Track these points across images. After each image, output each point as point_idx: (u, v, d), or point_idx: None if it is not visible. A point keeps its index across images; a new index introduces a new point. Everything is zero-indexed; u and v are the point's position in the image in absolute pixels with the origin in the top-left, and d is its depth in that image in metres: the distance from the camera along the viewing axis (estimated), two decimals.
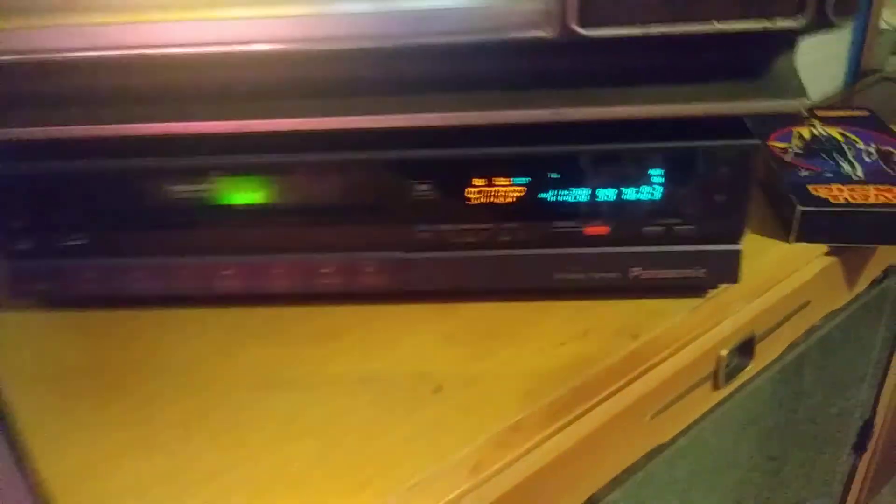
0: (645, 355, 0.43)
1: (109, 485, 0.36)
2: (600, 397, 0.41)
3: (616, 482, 0.45)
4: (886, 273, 0.61)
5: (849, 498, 0.84)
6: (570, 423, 0.39)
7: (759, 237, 0.53)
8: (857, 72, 1.24)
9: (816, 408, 0.75)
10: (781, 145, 0.60)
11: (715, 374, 0.47)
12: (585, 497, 0.42)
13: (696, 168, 0.43)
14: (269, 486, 0.35)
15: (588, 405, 0.40)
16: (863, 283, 0.58)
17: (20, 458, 0.31)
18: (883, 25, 1.13)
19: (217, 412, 0.40)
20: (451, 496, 0.35)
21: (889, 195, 0.52)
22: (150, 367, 0.43)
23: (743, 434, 0.66)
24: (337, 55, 0.38)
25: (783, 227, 0.53)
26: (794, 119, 0.65)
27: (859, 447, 0.79)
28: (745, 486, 0.73)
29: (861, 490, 0.86)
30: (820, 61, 1.06)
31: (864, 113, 0.66)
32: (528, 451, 0.37)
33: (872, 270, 0.59)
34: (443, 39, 0.37)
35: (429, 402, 0.40)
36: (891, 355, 0.72)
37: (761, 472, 0.75)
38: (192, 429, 0.39)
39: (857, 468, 0.81)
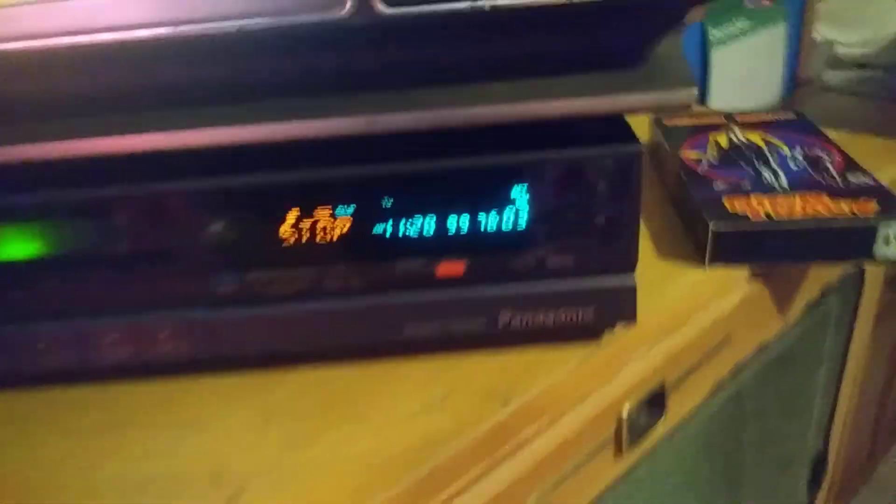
0: (517, 425, 0.33)
1: None
2: (457, 487, 0.31)
3: None
4: (825, 293, 0.53)
5: None
6: None
7: (669, 263, 0.44)
8: (794, 82, 1.19)
9: (761, 442, 0.66)
10: (695, 155, 0.52)
11: (617, 438, 0.37)
12: None
13: (568, 183, 0.34)
14: None
15: (439, 500, 0.30)
16: (796, 309, 0.50)
17: None
18: (817, 37, 1.11)
19: None
20: None
21: (819, 206, 0.43)
22: None
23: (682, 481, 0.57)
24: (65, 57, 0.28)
25: (697, 250, 0.44)
26: (712, 126, 0.57)
27: (813, 484, 0.70)
28: None
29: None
30: (755, 72, 1.01)
31: (791, 116, 0.58)
32: None
33: (807, 293, 0.50)
34: (209, 27, 0.28)
35: None
36: (839, 384, 0.63)
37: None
38: None
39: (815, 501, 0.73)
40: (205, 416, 0.35)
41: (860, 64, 1.24)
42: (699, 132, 0.56)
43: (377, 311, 0.36)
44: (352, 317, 0.35)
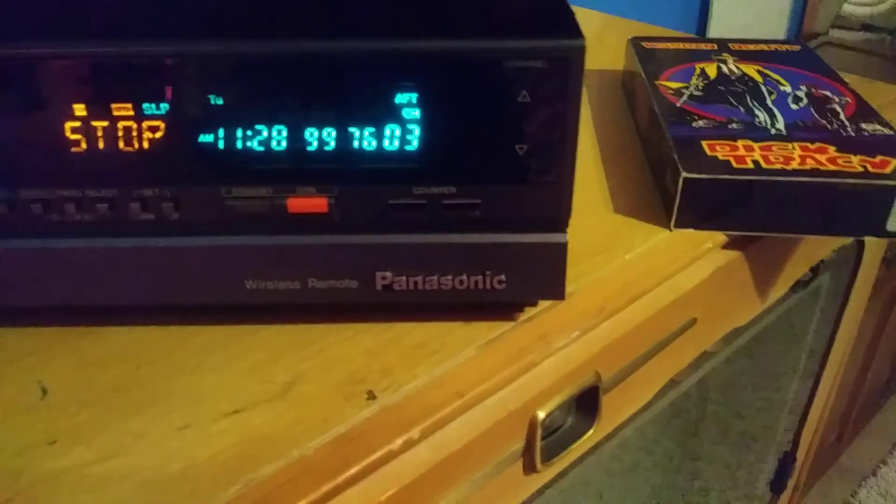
0: (383, 431, 0.24)
1: None
2: None
3: None
4: (816, 271, 0.43)
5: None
6: None
7: (625, 222, 0.34)
8: (799, 35, 1.12)
9: (720, 439, 0.57)
10: (675, 86, 0.41)
11: (528, 451, 0.28)
12: None
13: (475, 90, 0.23)
14: None
15: None
16: (781, 287, 0.40)
17: None
18: None
19: None
20: None
21: (821, 157, 0.33)
22: None
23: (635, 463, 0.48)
24: None
25: (665, 206, 0.34)
26: (700, 52, 0.46)
27: (778, 486, 0.62)
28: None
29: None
30: (761, 22, 0.94)
31: (795, 47, 0.48)
32: None
33: (794, 270, 0.40)
34: None
35: None
36: (819, 374, 0.54)
37: (682, 475, 0.58)
38: None
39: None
40: None
41: (866, 25, 1.17)
42: (684, 59, 0.45)
43: (207, 256, 0.25)
44: (170, 261, 0.25)
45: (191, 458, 0.22)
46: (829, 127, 0.36)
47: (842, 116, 0.37)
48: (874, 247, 0.49)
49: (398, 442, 0.23)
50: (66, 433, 0.23)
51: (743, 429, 0.59)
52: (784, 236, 0.36)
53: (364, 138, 0.24)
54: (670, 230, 0.33)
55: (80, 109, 0.23)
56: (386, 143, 0.24)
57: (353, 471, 0.22)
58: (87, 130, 0.23)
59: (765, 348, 0.49)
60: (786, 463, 0.61)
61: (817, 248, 0.42)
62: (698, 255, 0.33)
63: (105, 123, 0.23)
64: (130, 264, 0.25)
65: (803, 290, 0.43)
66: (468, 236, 0.25)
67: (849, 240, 0.44)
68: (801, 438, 0.60)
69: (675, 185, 0.32)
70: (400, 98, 0.23)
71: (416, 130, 0.23)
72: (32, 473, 0.22)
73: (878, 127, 0.36)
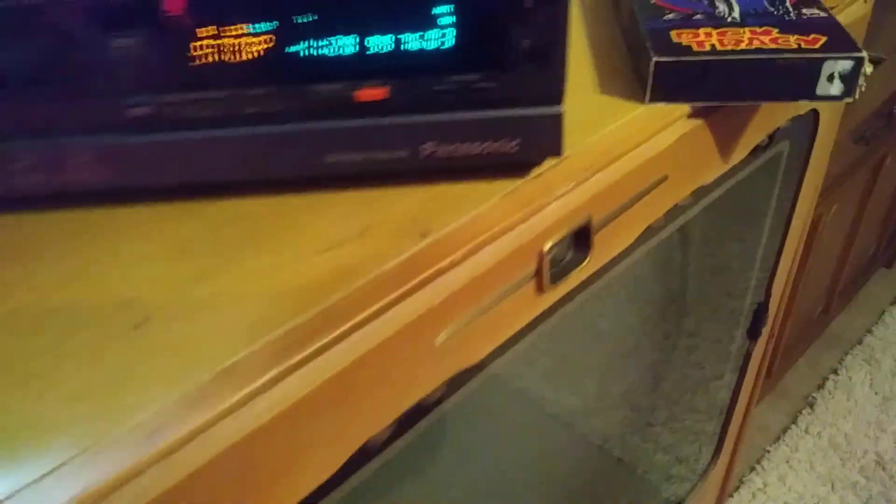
0: (433, 257, 0.33)
1: None
2: (363, 316, 0.31)
3: (423, 408, 0.36)
4: (773, 137, 0.51)
5: (745, 381, 0.79)
6: (309, 359, 0.29)
7: (610, 100, 0.42)
8: None
9: (701, 289, 0.67)
10: None
11: (538, 274, 0.37)
12: (361, 441, 0.33)
13: (493, 3, 0.31)
14: None
15: (341, 331, 0.30)
16: (742, 151, 0.48)
17: None
18: None
19: None
20: (120, 472, 0.25)
21: (766, 39, 0.41)
22: None
23: (622, 304, 0.58)
24: None
25: (640, 86, 0.43)
26: None
27: (753, 333, 0.73)
28: (634, 370, 0.66)
29: (758, 374, 0.81)
30: None
31: None
32: (238, 407, 0.27)
33: (753, 135, 0.49)
34: None
35: (124, 341, 0.29)
36: (785, 232, 0.64)
37: (653, 342, 0.69)
38: None
39: (751, 354, 0.75)
40: (116, 246, 0.34)
41: None
42: None
43: (296, 138, 0.34)
44: (270, 144, 0.34)
45: (305, 280, 0.32)
46: (775, 13, 0.43)
47: (787, 4, 0.45)
48: (827, 117, 0.58)
49: (446, 262, 0.33)
50: (210, 271, 0.32)
51: (720, 282, 0.68)
52: (739, 105, 0.44)
53: (411, 42, 0.32)
54: (646, 104, 0.42)
55: (204, 33, 0.31)
56: (428, 44, 0.32)
57: (414, 282, 0.32)
58: (210, 48, 0.32)
59: (733, 208, 0.58)
60: (759, 312, 0.72)
61: (771, 117, 0.50)
62: (668, 124, 0.41)
63: (222, 42, 0.31)
64: (242, 147, 0.34)
65: (763, 155, 0.52)
66: (489, 112, 0.34)
67: (799, 108, 0.52)
68: (772, 290, 0.70)
69: (647, 68, 0.40)
70: (437, 10, 0.31)
71: (450, 34, 0.32)
72: (194, 296, 0.31)
73: (816, 11, 0.44)
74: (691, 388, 0.81)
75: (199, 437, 0.26)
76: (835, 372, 1.61)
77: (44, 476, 0.24)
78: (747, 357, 0.75)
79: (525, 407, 0.53)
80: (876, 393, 1.55)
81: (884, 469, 1.40)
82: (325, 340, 0.29)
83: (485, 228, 0.34)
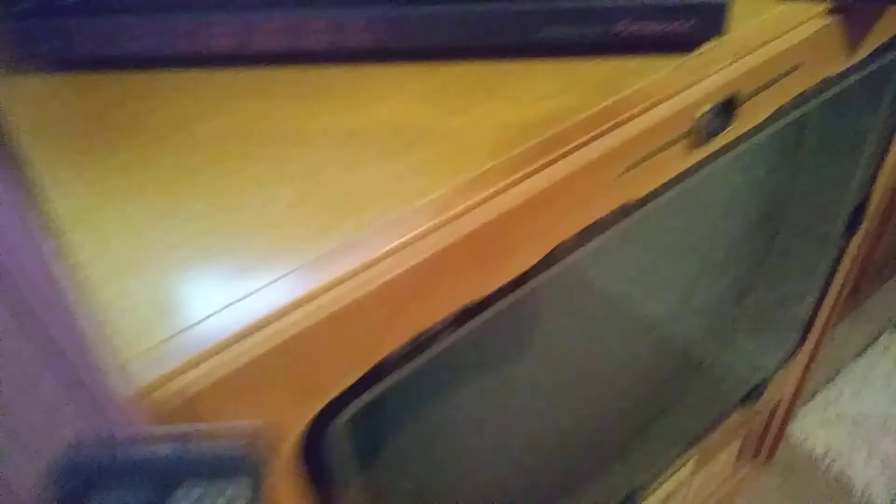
0: (619, 110, 0.44)
1: (107, 223, 0.39)
2: (569, 148, 0.42)
3: (585, 236, 0.47)
4: (894, 40, 0.59)
5: (831, 289, 0.88)
6: (537, 170, 0.41)
7: None
8: None
9: (808, 185, 0.76)
10: None
11: (691, 133, 0.48)
12: (552, 245, 0.45)
13: None
14: (253, 224, 0.39)
15: (556, 155, 0.42)
16: (865, 49, 0.57)
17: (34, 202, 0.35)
18: None
19: (206, 163, 0.43)
20: (417, 232, 0.38)
21: None
22: (147, 125, 0.46)
23: (724, 207, 0.68)
24: None
25: None
26: None
27: (851, 229, 0.81)
28: (723, 269, 0.76)
29: (845, 284, 0.89)
30: None
31: None
32: (494, 195, 0.40)
33: (877, 36, 0.57)
34: None
35: (405, 153, 0.42)
36: (892, 131, 0.71)
37: (744, 255, 0.79)
38: (181, 177, 0.42)
39: (845, 251, 0.84)
40: (380, 92, 0.46)
41: None
42: None
43: (526, 14, 0.45)
44: (501, 17, 0.45)
45: (525, 120, 0.43)
46: None
47: None
48: None
49: (626, 115, 0.44)
50: (456, 110, 0.44)
51: (828, 174, 0.76)
52: (871, 4, 0.52)
53: None
54: (786, 1, 0.50)
55: None
56: None
57: (602, 127, 0.43)
58: None
59: (851, 107, 0.66)
60: (859, 209, 0.80)
61: (894, 22, 0.58)
62: (805, 19, 0.50)
63: None
64: (483, 20, 0.45)
65: (883, 57, 0.59)
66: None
67: None
68: (873, 190, 0.78)
69: None
70: None
71: None
72: (448, 127, 0.43)
73: None
74: (776, 303, 0.90)
75: (467, 215, 0.39)
76: None
77: (360, 234, 0.37)
78: (841, 253, 0.84)
79: (612, 308, 0.64)
80: None
81: None
82: (542, 161, 0.41)
83: (656, 93, 0.45)
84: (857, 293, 1.51)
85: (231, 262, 0.37)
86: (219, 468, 0.26)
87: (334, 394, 0.38)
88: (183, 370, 0.32)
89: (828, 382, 1.49)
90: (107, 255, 0.38)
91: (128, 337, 0.33)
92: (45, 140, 0.45)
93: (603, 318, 0.66)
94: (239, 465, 0.26)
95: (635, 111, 0.44)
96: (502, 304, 0.45)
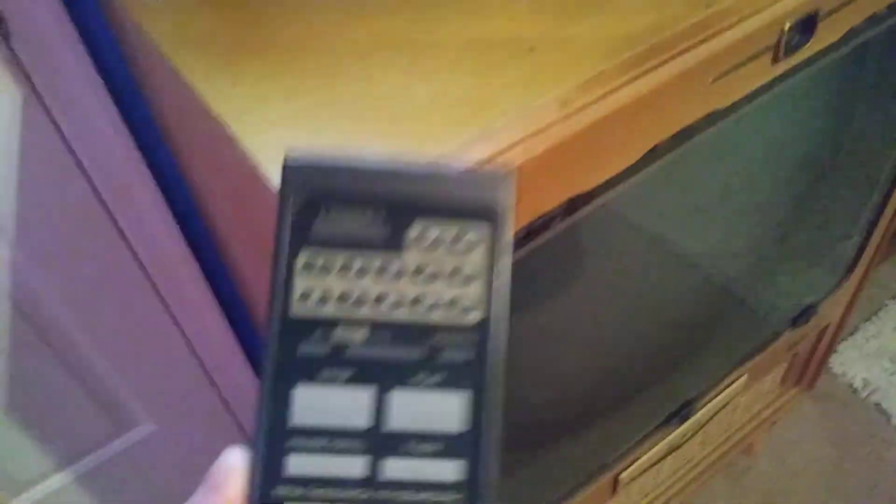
0: (713, 22, 0.49)
1: (272, 114, 0.45)
2: (671, 54, 0.47)
3: (678, 139, 0.53)
4: None
5: (877, 228, 0.92)
6: (643, 74, 0.46)
7: None
8: None
9: (864, 122, 0.80)
10: None
11: (777, 46, 0.52)
12: (651, 144, 0.50)
13: None
14: (397, 117, 0.44)
15: (660, 60, 0.47)
16: None
17: None
18: None
19: (351, 66, 0.48)
20: (543, 124, 0.44)
21: None
22: (284, 39, 0.51)
23: (792, 129, 0.73)
24: None
25: None
26: None
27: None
28: (778, 196, 0.81)
29: (890, 224, 0.93)
30: None
31: None
32: (608, 94, 0.45)
33: None
34: None
35: (525, 59, 0.47)
36: None
37: (795, 190, 0.83)
38: (330, 76, 0.48)
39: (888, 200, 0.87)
40: (499, 6, 0.51)
41: None
42: None
43: None
44: None
45: (631, 29, 0.48)
46: None
47: None
48: None
49: (724, 24, 0.48)
50: (564, 24, 0.49)
51: (885, 106, 0.80)
52: None
53: None
54: None
55: None
56: None
57: (701, 36, 0.48)
58: None
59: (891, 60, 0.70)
60: None
61: None
62: None
63: None
64: None
65: None
66: None
67: None
68: None
69: None
70: None
71: None
72: (564, 35, 0.48)
73: None
74: (817, 246, 0.95)
75: (586, 110, 0.44)
76: None
77: (492, 126, 0.43)
78: (889, 193, 0.88)
79: (657, 247, 0.69)
80: None
81: None
82: (647, 66, 0.46)
83: (747, 6, 0.50)
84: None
85: (388, 144, 0.43)
86: (460, 210, 0.24)
87: None
88: None
89: (867, 321, 1.54)
90: (281, 132, 0.44)
91: None
92: (198, 54, 0.51)
93: (671, 240, 0.72)
94: (482, 209, 0.24)
95: (728, 23, 0.49)
96: (601, 201, 0.50)
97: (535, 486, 0.79)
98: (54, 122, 0.66)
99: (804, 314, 0.97)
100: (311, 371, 0.24)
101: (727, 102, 0.53)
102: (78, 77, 0.64)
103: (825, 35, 0.56)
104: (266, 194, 0.42)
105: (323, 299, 0.24)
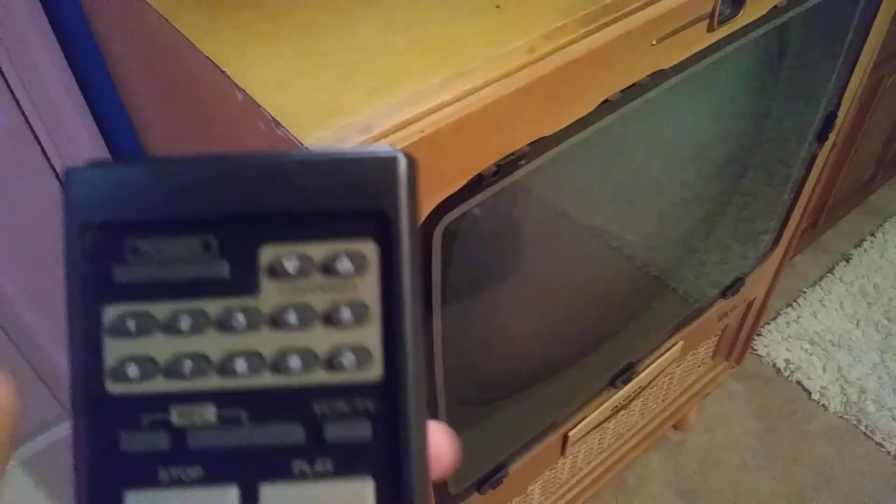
0: None
1: (259, 59, 0.49)
2: (620, 13, 0.53)
3: (627, 97, 0.58)
4: None
5: (805, 185, 1.01)
6: (598, 29, 0.52)
7: None
8: None
9: (786, 100, 0.88)
10: None
11: (711, 15, 0.59)
12: (604, 96, 0.56)
13: None
14: (378, 59, 0.49)
15: (611, 18, 0.52)
16: None
17: None
18: None
19: (329, 18, 0.52)
20: (513, 66, 0.48)
21: None
22: None
23: (717, 125, 0.80)
24: None
25: None
26: None
27: (822, 137, 0.93)
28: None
29: (815, 187, 1.02)
30: None
31: None
32: (569, 44, 0.50)
33: None
34: None
35: (492, 13, 0.52)
36: (863, 40, 0.83)
37: (721, 185, 0.91)
38: (310, 26, 0.51)
39: (816, 156, 0.96)
40: None
41: None
42: None
43: None
44: None
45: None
46: None
47: None
48: None
49: None
50: None
51: (803, 87, 0.88)
52: None
53: None
54: None
55: None
56: None
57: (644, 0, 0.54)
58: None
59: (810, 37, 0.78)
60: (829, 118, 0.92)
61: None
62: None
63: None
64: None
65: None
66: None
67: None
68: (842, 100, 0.91)
69: None
70: None
71: None
72: None
73: None
74: (742, 237, 1.03)
75: (550, 56, 0.49)
76: (872, 234, 1.81)
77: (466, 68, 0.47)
78: (812, 159, 0.97)
79: (593, 241, 0.76)
80: None
81: None
82: (601, 22, 0.52)
83: None
84: (815, 228, 1.67)
85: (370, 83, 0.47)
86: (330, 218, 0.17)
87: (445, 194, 0.49)
88: None
89: (788, 306, 1.65)
90: (269, 71, 0.47)
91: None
92: (178, 4, 0.54)
93: (586, 250, 0.78)
94: (362, 213, 0.17)
95: None
96: (564, 145, 0.56)
97: (489, 444, 0.84)
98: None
99: (733, 286, 1.05)
100: (141, 474, 0.17)
101: (669, 64, 0.59)
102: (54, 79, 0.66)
103: (753, 9, 0.63)
104: (260, 130, 0.46)
105: (146, 371, 0.17)
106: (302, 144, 0.42)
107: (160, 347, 0.17)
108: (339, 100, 0.45)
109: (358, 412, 0.17)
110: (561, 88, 0.51)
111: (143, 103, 0.72)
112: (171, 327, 0.17)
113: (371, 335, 0.17)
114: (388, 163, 0.17)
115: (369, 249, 0.17)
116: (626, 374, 0.94)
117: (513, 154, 0.51)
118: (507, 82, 0.48)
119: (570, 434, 0.92)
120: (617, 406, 0.98)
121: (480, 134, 0.48)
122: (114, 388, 0.17)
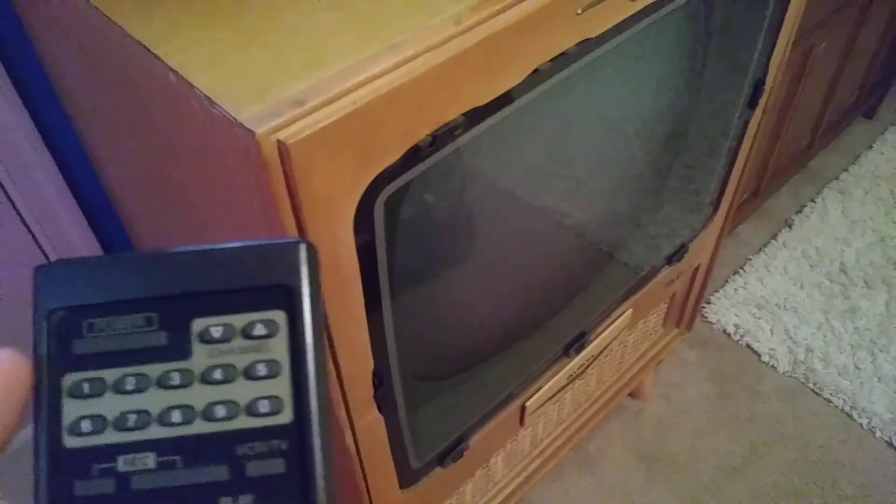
0: None
1: (182, 42, 0.49)
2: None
3: (556, 66, 0.60)
4: None
5: (741, 149, 1.04)
6: (509, 6, 0.53)
7: None
8: None
9: (720, 62, 0.91)
10: None
11: None
12: (533, 66, 0.58)
13: None
14: (310, 36, 0.50)
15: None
16: None
17: None
18: None
19: (257, 3, 0.53)
20: (442, 37, 0.50)
21: None
22: None
23: (661, 71, 0.83)
24: None
25: None
26: None
27: (752, 104, 0.97)
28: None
29: (750, 152, 1.06)
30: None
31: None
32: (495, 14, 0.52)
33: None
34: None
35: None
36: (785, 8, 0.87)
37: (665, 160, 0.94)
38: (240, 9, 0.52)
39: (749, 122, 1.00)
40: None
41: None
42: None
43: None
44: None
45: None
46: None
47: None
48: None
49: None
50: None
51: (732, 56, 0.92)
52: None
53: None
54: None
55: None
56: None
57: None
58: None
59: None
60: (758, 85, 0.96)
61: None
62: None
63: None
64: None
65: None
66: None
67: None
68: (769, 67, 0.94)
69: None
70: None
71: None
72: None
73: None
74: (689, 208, 1.07)
75: (477, 27, 0.51)
76: (812, 200, 1.88)
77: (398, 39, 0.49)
78: (745, 125, 1.00)
79: (544, 221, 0.78)
80: (846, 217, 1.83)
81: (846, 274, 1.69)
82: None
83: None
84: (757, 197, 1.72)
85: (302, 58, 0.48)
86: (246, 296, 0.21)
87: (382, 166, 0.50)
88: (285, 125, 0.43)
89: (735, 274, 1.70)
90: (201, 52, 0.48)
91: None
92: None
93: (539, 229, 0.80)
94: (272, 290, 0.21)
95: None
96: (499, 116, 0.57)
97: (449, 418, 0.86)
98: None
99: (677, 253, 1.08)
100: None
101: (595, 33, 0.61)
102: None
103: None
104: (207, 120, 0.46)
105: (97, 426, 0.21)
106: (237, 120, 0.43)
107: (110, 406, 0.21)
108: (271, 76, 0.46)
109: (273, 451, 0.21)
110: (490, 58, 0.53)
111: (82, 101, 0.71)
112: (119, 388, 0.21)
113: (282, 386, 0.21)
114: (293, 247, 0.22)
115: (279, 317, 0.22)
116: (578, 343, 0.96)
117: (447, 124, 0.53)
118: (435, 53, 0.50)
119: (528, 404, 0.94)
120: (572, 375, 1.00)
121: (413, 105, 0.49)
122: (70, 441, 0.21)
